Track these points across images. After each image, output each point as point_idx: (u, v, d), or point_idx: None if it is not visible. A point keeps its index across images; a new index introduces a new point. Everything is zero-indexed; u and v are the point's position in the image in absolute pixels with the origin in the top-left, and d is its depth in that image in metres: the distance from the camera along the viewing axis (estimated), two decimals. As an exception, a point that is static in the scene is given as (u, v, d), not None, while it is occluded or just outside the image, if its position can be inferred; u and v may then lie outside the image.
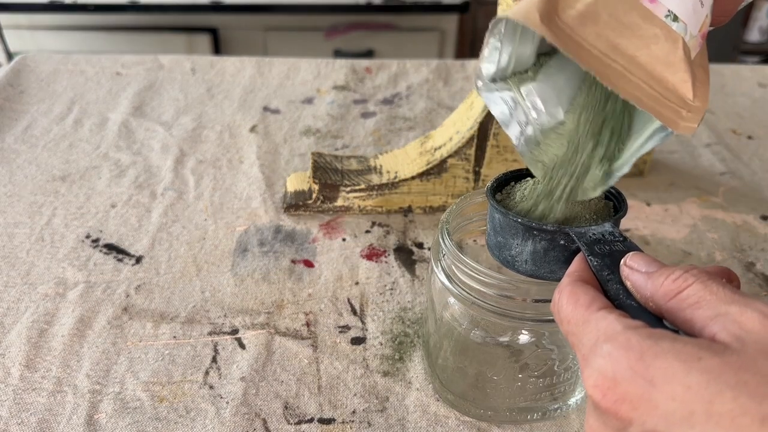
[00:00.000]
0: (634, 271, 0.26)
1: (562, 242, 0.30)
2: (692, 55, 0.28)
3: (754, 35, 1.98)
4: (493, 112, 0.33)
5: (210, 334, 0.44)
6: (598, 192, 0.32)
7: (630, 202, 0.59)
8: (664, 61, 0.27)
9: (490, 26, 0.29)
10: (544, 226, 0.30)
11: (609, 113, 0.32)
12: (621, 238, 0.29)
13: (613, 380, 0.21)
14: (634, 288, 0.25)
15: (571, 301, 0.26)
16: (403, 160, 0.57)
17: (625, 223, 0.56)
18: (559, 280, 0.29)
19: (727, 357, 0.20)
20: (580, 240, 0.29)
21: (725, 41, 1.95)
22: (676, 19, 0.27)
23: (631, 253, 0.26)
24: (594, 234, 0.29)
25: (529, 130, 0.33)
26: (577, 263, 0.28)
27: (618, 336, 0.22)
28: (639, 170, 0.63)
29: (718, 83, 0.84)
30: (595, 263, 0.27)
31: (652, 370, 0.21)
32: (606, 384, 0.21)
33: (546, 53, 0.33)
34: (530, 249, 0.31)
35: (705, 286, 0.23)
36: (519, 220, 0.30)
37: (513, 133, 0.33)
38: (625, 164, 0.31)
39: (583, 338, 0.24)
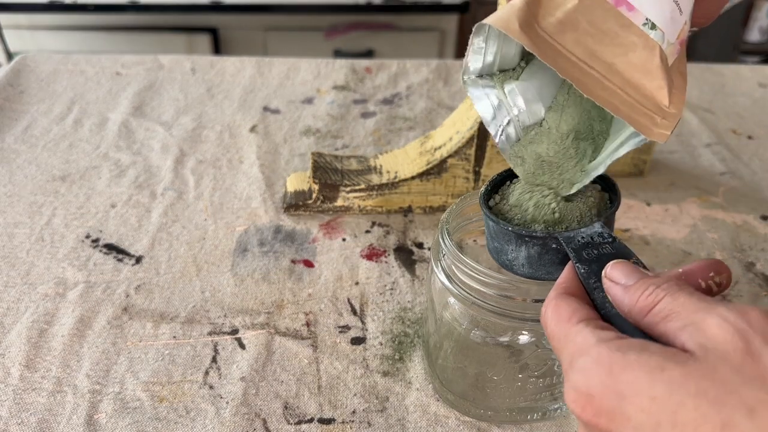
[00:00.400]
0: (613, 284, 0.26)
1: (554, 246, 0.30)
2: (670, 62, 0.29)
3: (754, 35, 1.98)
4: (476, 108, 0.33)
5: (210, 334, 0.44)
6: (573, 190, 0.32)
7: (630, 202, 0.60)
8: (641, 68, 0.28)
9: (473, 29, 0.30)
10: (534, 233, 0.30)
11: (590, 112, 0.32)
12: (610, 239, 0.29)
13: (588, 395, 0.22)
14: (615, 302, 0.26)
15: (555, 316, 0.26)
16: (403, 160, 0.57)
17: (625, 223, 0.57)
18: (556, 280, 0.29)
19: (689, 366, 0.20)
20: (568, 246, 0.29)
21: (725, 41, 1.95)
22: (653, 27, 0.28)
23: (611, 263, 0.27)
24: (583, 238, 0.29)
25: (511, 128, 0.33)
26: (565, 273, 0.29)
27: (591, 350, 0.23)
28: (639, 170, 0.63)
29: (718, 83, 0.84)
30: (583, 271, 0.28)
31: (620, 384, 0.21)
32: (582, 399, 0.22)
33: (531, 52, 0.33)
34: (525, 254, 0.31)
35: (673, 299, 0.23)
36: (509, 228, 0.31)
37: (494, 129, 0.33)
38: (600, 164, 0.32)
39: (563, 353, 0.25)
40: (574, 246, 0.29)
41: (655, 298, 0.24)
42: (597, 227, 0.30)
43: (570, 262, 0.29)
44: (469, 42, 0.31)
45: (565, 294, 0.27)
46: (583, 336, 0.24)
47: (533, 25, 0.27)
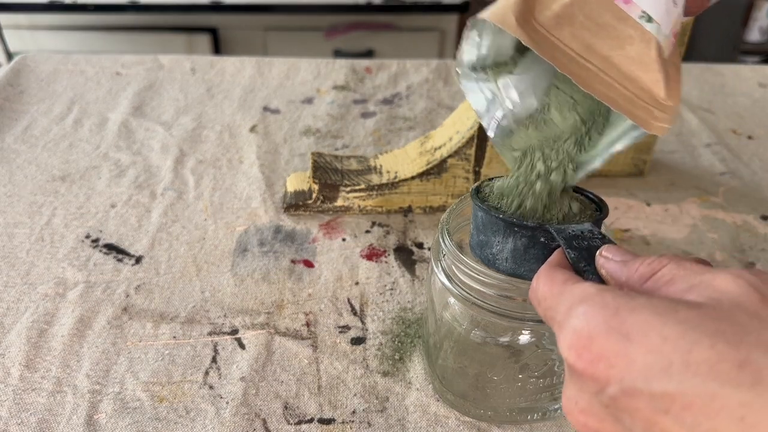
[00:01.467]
0: (609, 260, 0.26)
1: (542, 239, 0.30)
2: (665, 55, 0.29)
3: (754, 35, 1.98)
4: (470, 102, 0.34)
5: (210, 334, 0.44)
6: (568, 182, 0.32)
7: (630, 202, 0.59)
8: (638, 61, 0.28)
9: (468, 24, 0.30)
10: (525, 223, 0.30)
11: (584, 104, 0.32)
12: (600, 236, 0.29)
13: (589, 338, 0.21)
14: (609, 275, 0.25)
15: (548, 281, 0.26)
16: (403, 160, 0.57)
17: (625, 223, 0.56)
18: None
19: (703, 309, 0.20)
20: (559, 235, 0.29)
21: (725, 41, 1.95)
22: (650, 20, 0.28)
23: (606, 245, 0.27)
24: (573, 231, 0.29)
25: (504, 121, 0.33)
26: (555, 256, 0.29)
27: (593, 296, 0.22)
28: (639, 170, 0.63)
29: (718, 83, 0.84)
30: (573, 255, 0.28)
31: (627, 324, 0.20)
32: (581, 343, 0.21)
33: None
34: (511, 246, 0.31)
35: (678, 265, 0.23)
36: (500, 216, 0.31)
37: (487, 122, 0.34)
38: (597, 156, 0.31)
39: (559, 307, 0.24)
40: (564, 236, 0.29)
41: (658, 265, 0.23)
42: (587, 225, 0.30)
43: (558, 250, 0.29)
44: (464, 35, 0.31)
45: (558, 266, 0.27)
46: (583, 288, 0.23)
47: (530, 19, 0.27)
